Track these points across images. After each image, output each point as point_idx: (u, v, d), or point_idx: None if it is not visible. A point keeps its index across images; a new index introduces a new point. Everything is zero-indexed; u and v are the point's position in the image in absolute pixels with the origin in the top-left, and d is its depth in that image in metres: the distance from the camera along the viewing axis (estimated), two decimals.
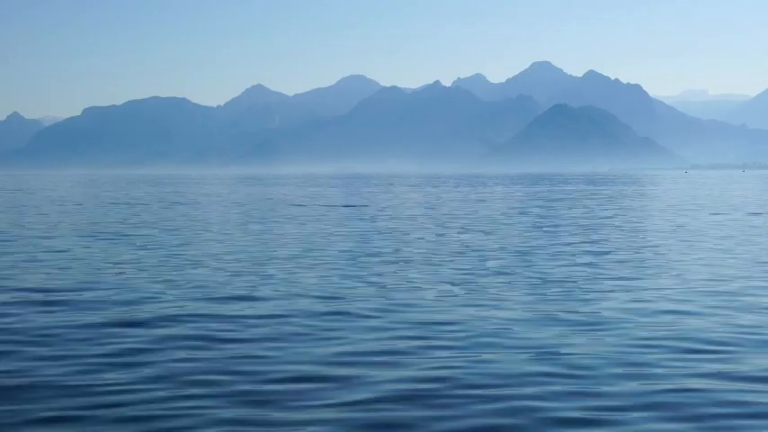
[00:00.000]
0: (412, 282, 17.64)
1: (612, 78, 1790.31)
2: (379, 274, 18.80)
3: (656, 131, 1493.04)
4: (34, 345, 11.61)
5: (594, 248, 24.74)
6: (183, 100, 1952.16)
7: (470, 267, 20.00)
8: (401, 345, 11.51)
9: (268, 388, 9.42)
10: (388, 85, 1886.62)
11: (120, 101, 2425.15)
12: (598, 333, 12.33)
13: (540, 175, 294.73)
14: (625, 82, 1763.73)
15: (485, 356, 10.92)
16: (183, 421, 8.30)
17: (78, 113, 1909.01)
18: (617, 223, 36.29)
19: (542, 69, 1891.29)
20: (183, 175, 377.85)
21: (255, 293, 15.93)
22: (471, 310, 14.10)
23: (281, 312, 13.95)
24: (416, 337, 12.03)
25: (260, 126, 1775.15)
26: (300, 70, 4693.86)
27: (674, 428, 8.14)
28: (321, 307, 14.45)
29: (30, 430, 8.15)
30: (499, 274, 18.84)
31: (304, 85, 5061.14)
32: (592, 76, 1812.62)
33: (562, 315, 13.68)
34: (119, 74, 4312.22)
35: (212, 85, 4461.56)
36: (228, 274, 18.90)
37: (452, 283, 17.28)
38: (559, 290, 16.37)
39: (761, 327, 12.80)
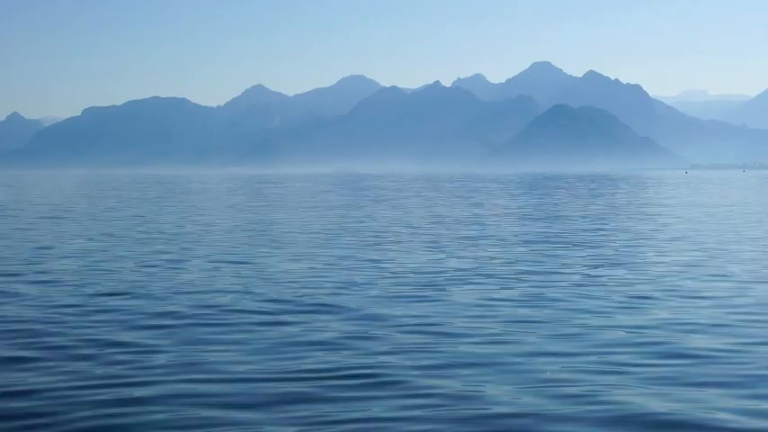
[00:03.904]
0: None
1: (612, 78, 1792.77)
2: None
3: (656, 131, 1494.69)
4: None
5: None
6: (183, 100, 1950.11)
7: None
8: None
9: None
10: (388, 85, 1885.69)
11: (120, 101, 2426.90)
12: None
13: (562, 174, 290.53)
14: (625, 82, 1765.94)
15: None
16: None
17: (78, 113, 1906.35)
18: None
19: (542, 69, 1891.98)
20: (201, 174, 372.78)
21: None
22: None
23: None
24: None
25: (260, 126, 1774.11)
26: (300, 70, 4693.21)
27: None
28: None
29: None
30: None
31: (304, 85, 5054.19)
32: (592, 76, 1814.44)
33: None
34: (119, 74, 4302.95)
35: (212, 85, 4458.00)
36: None
37: None
38: None
39: None
